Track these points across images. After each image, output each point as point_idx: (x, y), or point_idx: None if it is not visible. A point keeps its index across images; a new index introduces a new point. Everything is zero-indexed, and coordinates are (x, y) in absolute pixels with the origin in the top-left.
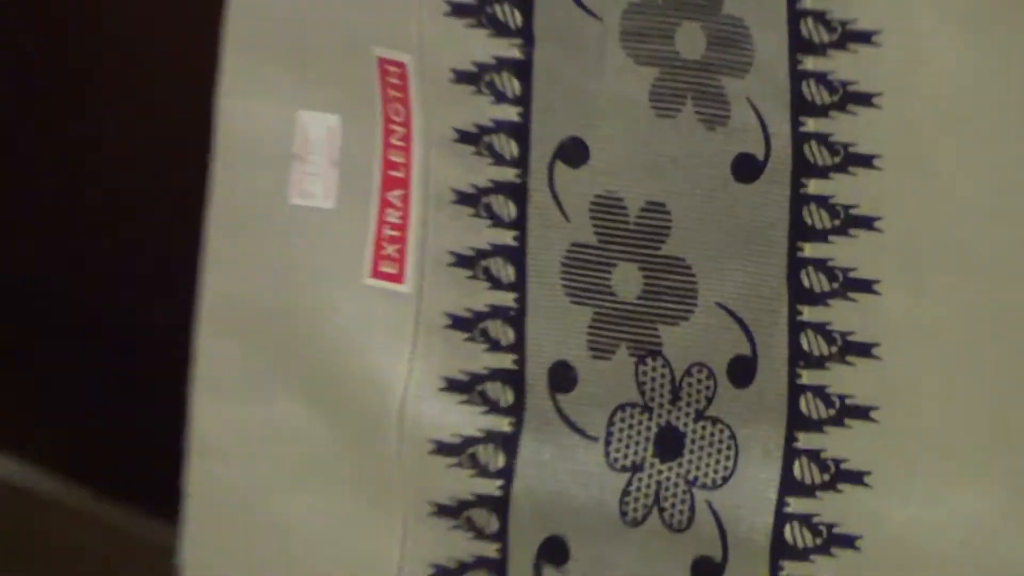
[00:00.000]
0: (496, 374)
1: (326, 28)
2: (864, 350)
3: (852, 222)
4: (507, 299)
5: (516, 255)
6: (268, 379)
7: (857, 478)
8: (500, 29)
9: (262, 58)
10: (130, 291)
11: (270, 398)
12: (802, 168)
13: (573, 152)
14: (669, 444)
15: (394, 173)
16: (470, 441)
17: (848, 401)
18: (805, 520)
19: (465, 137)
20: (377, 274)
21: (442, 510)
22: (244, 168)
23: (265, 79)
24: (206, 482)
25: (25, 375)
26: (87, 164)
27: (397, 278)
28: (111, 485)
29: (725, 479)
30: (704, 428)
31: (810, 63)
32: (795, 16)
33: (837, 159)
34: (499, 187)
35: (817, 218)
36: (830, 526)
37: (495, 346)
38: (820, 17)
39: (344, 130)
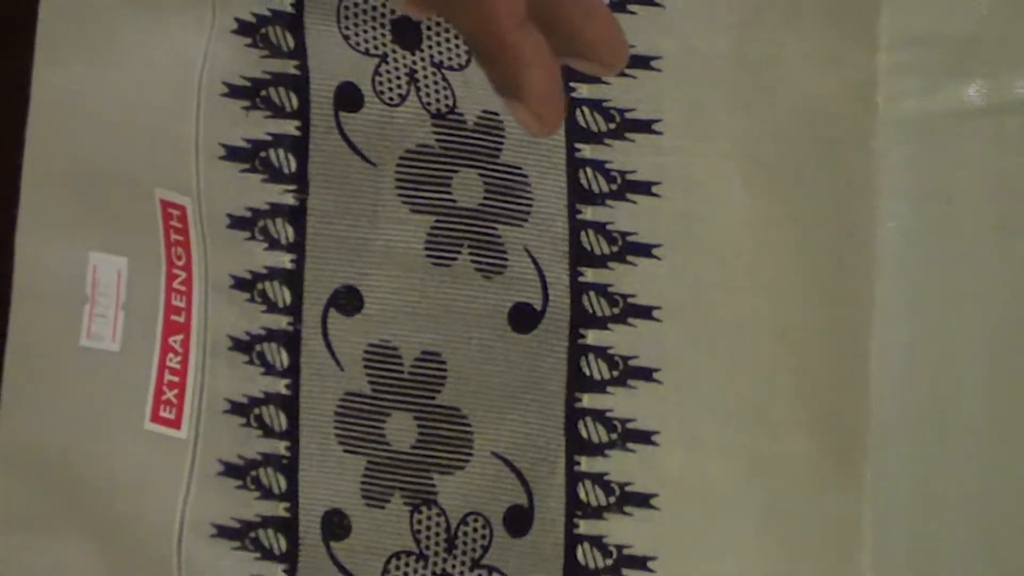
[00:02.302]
0: (268, 521)
1: (116, 169)
2: (643, 500)
3: (631, 373)
4: (279, 447)
5: (289, 404)
6: (57, 517)
7: None
8: (274, 175)
9: (58, 196)
10: None
11: (62, 535)
12: (581, 318)
13: (347, 300)
14: None
15: (175, 318)
16: None
17: (625, 551)
18: None
19: (240, 284)
20: (157, 419)
21: None
22: (40, 307)
23: (60, 217)
24: None
25: None
26: None
27: (175, 423)
28: None
29: None
30: None
31: (589, 212)
32: (574, 165)
33: (616, 310)
34: (272, 335)
35: (596, 369)
36: None
37: (267, 494)
38: (600, 166)
39: (131, 272)
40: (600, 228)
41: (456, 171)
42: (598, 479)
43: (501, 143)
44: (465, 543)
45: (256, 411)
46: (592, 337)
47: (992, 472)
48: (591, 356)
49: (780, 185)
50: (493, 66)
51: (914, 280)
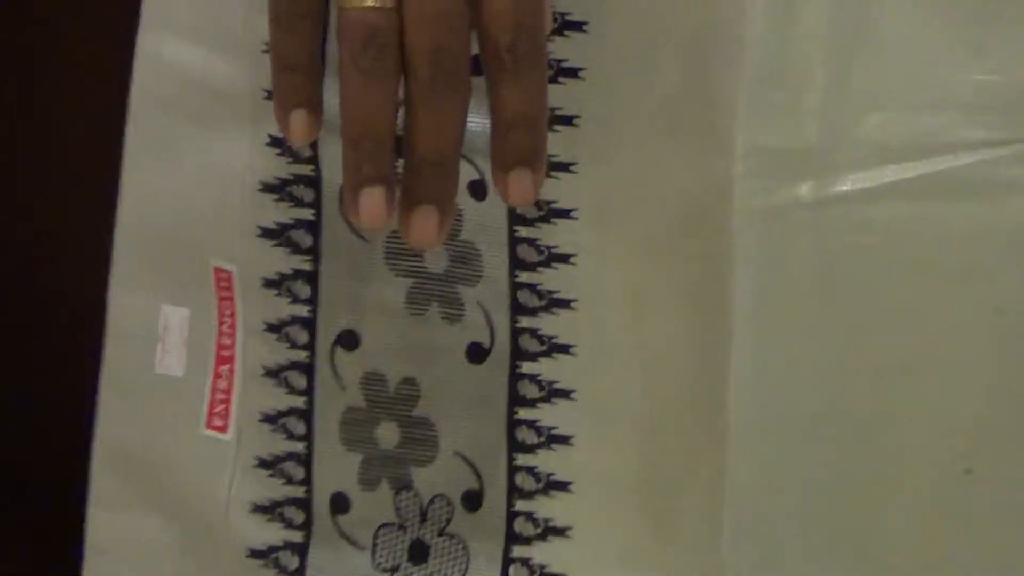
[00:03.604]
0: (291, 501)
1: (182, 243)
2: (562, 486)
3: (554, 393)
4: (299, 447)
5: (306, 414)
6: (139, 498)
7: None
8: (295, 248)
9: (140, 263)
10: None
11: (142, 512)
12: (517, 354)
13: (349, 340)
14: (418, 553)
15: (224, 353)
16: (274, 548)
17: (550, 523)
18: None
19: (270, 328)
20: (210, 426)
21: None
22: (125, 344)
23: (141, 277)
24: (98, 574)
25: None
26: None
27: (223, 430)
28: None
29: None
30: (444, 541)
31: (524, 276)
32: (513, 242)
33: (544, 347)
34: (294, 365)
35: (529, 390)
36: None
37: (290, 481)
38: (532, 243)
39: (192, 319)
40: (532, 287)
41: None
42: (530, 470)
43: (460, 227)
44: (433, 517)
45: (282, 421)
46: (526, 367)
47: (826, 465)
48: (525, 381)
49: (661, 256)
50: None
51: (760, 321)
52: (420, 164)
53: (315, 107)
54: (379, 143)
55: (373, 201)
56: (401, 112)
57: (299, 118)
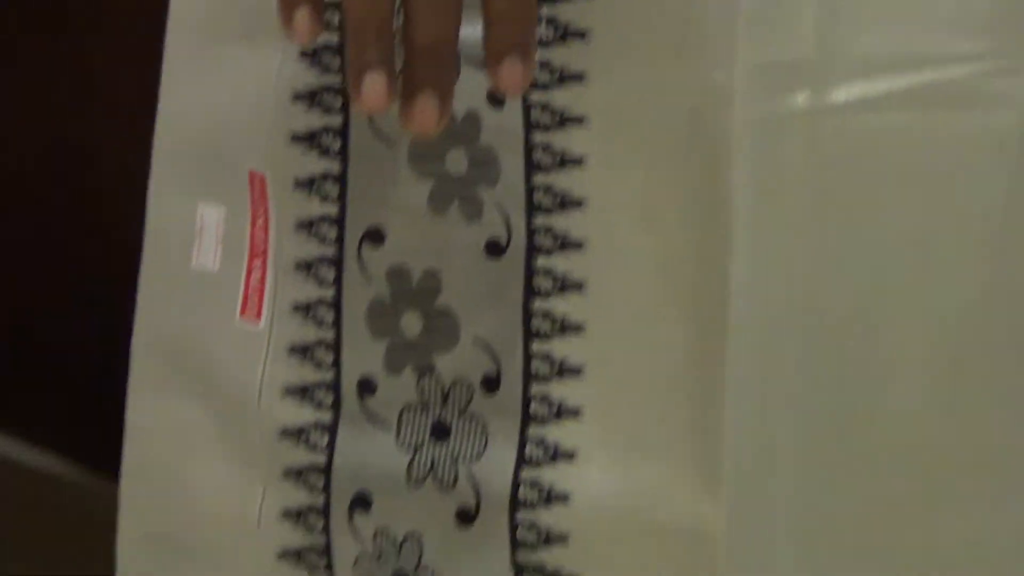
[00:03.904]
0: (320, 384)
1: (219, 148)
2: (574, 371)
3: (565, 286)
4: (328, 335)
5: (335, 305)
6: (177, 382)
7: (568, 457)
8: (325, 152)
9: (177, 165)
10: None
11: (180, 395)
12: (532, 249)
13: (375, 236)
14: (440, 432)
15: (257, 248)
16: (305, 428)
17: (563, 405)
18: (532, 483)
19: (302, 225)
20: (243, 315)
21: (288, 473)
22: (164, 241)
23: (179, 180)
24: (137, 453)
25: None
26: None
27: (256, 319)
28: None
29: (478, 456)
30: (464, 422)
31: (539, 179)
32: (529, 147)
33: (556, 244)
34: (323, 259)
35: (542, 283)
36: (549, 488)
37: (320, 366)
38: (546, 148)
39: (227, 218)
40: (546, 189)
41: (448, 150)
42: (544, 356)
43: (479, 132)
44: (454, 399)
45: (312, 311)
46: (540, 262)
47: (821, 360)
48: (540, 274)
49: (667, 162)
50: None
51: (758, 224)
52: (418, 52)
53: (317, 5)
54: (379, 31)
55: (375, 86)
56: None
57: (302, 16)
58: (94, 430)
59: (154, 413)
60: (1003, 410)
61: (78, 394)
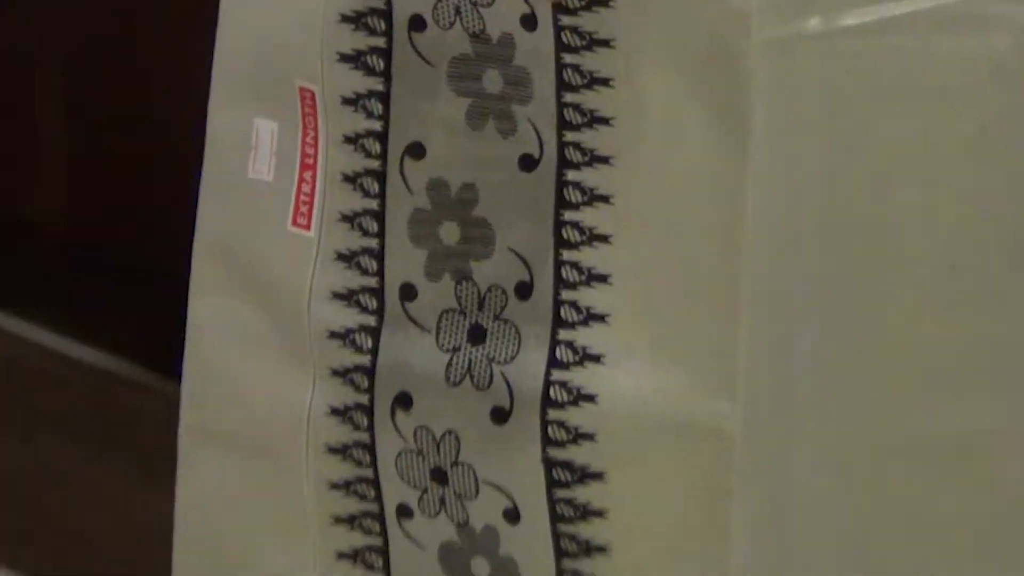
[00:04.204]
0: (365, 289)
1: (271, 65)
2: (601, 278)
3: (595, 199)
4: (372, 243)
5: (379, 215)
6: (234, 285)
7: (595, 360)
8: (370, 71)
9: (236, 84)
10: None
11: (236, 295)
12: (563, 163)
13: (416, 150)
14: (476, 335)
15: (307, 160)
16: (350, 331)
17: (591, 311)
18: (562, 384)
19: (347, 140)
20: (295, 224)
21: (335, 373)
22: (222, 154)
23: (237, 93)
24: (197, 351)
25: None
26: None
27: (306, 227)
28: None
29: (512, 358)
30: (499, 326)
31: (569, 97)
32: (560, 67)
33: (586, 159)
34: (368, 172)
35: (572, 195)
36: (578, 389)
37: (365, 272)
38: (577, 68)
39: (280, 132)
40: (576, 107)
41: (485, 70)
42: (573, 265)
43: (514, 53)
44: (490, 304)
45: (358, 220)
46: (570, 175)
47: (831, 263)
48: (570, 187)
49: (688, 82)
50: None
51: (774, 140)
52: None
53: None
54: None
55: None
56: None
57: None
58: (158, 331)
59: (212, 313)
60: (995, 308)
61: (142, 297)
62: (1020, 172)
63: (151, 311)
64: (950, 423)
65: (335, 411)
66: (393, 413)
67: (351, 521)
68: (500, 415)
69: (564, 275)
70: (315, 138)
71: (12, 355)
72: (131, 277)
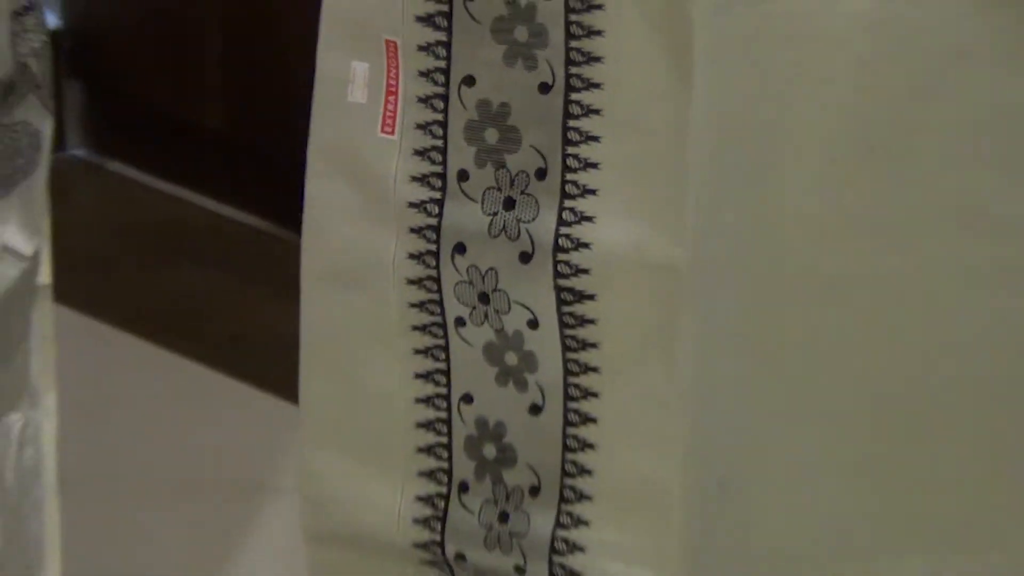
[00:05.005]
0: (433, 174)
1: (367, 22)
2: (593, 165)
3: (590, 112)
4: (439, 143)
5: (442, 124)
6: (337, 174)
7: (590, 220)
8: (437, 28)
9: (338, 31)
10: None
11: (337, 182)
12: (569, 89)
13: (468, 80)
14: (509, 204)
15: (391, 88)
16: (423, 202)
17: (586, 187)
18: (567, 236)
19: (422, 74)
20: (383, 131)
21: (412, 230)
22: (328, 85)
23: (339, 43)
24: (313, 221)
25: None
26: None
27: (391, 133)
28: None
29: (533, 219)
30: (525, 198)
31: (573, 44)
32: (568, 23)
33: (584, 85)
34: (436, 95)
35: (574, 110)
36: (578, 239)
37: (433, 162)
38: (579, 24)
39: (370, 70)
40: (578, 50)
41: (516, 26)
42: (575, 157)
43: (535, 14)
44: (517, 183)
45: (429, 128)
46: (573, 96)
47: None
48: (573, 104)
49: (650, 32)
50: None
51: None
52: None
53: None
54: None
55: None
56: None
57: None
58: (290, 200)
59: (323, 191)
60: (892, 173)
61: (277, 176)
62: (885, 83)
63: (283, 186)
64: (856, 266)
65: (411, 256)
66: (452, 257)
67: (423, 329)
68: (525, 257)
69: (568, 164)
70: (396, 74)
71: (182, 215)
72: (268, 162)
